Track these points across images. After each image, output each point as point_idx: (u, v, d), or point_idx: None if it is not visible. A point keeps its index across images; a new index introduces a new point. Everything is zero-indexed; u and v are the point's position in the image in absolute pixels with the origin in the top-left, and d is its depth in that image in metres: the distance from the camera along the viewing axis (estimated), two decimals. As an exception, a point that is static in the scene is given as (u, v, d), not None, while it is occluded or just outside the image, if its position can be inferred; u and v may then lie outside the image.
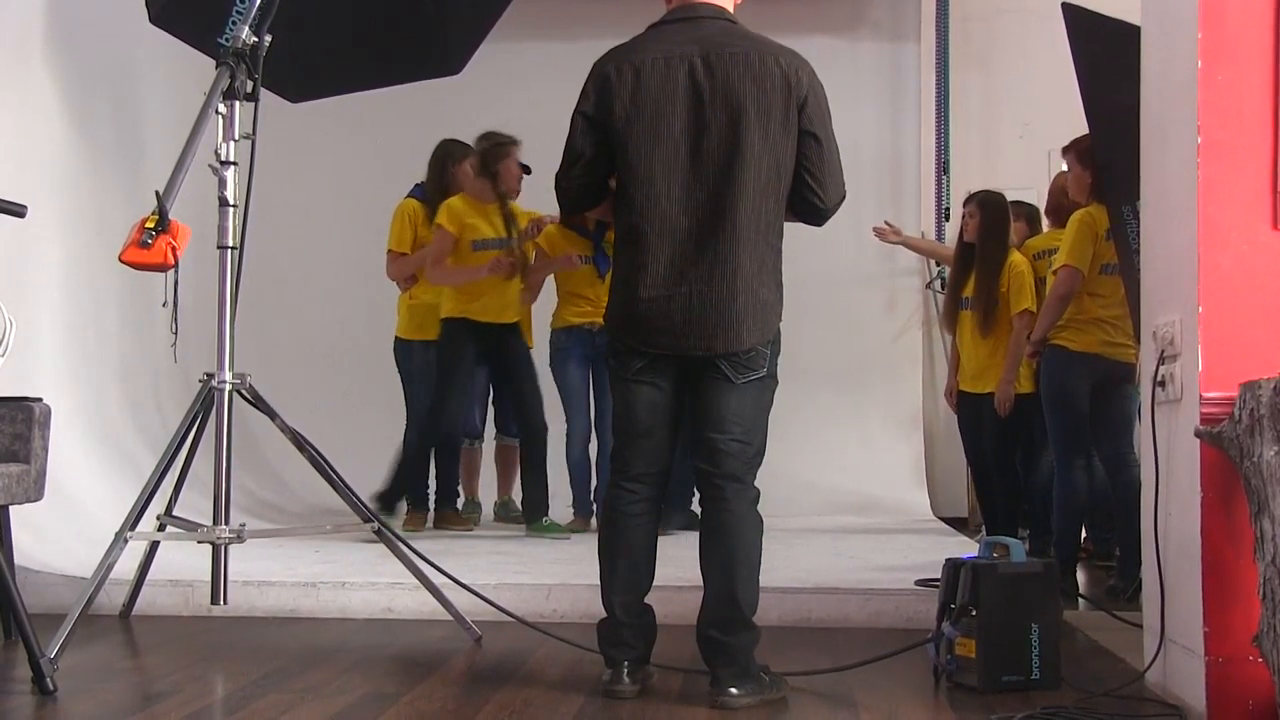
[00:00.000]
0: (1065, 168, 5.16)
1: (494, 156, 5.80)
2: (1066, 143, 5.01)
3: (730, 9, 3.08)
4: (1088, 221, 4.77)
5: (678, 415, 3.08)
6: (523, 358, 5.98)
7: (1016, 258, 5.53)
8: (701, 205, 2.94)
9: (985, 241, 5.53)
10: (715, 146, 2.93)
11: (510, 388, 6.07)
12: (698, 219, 2.94)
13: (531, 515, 5.89)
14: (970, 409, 5.71)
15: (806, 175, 3.00)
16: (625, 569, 3.04)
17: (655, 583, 3.10)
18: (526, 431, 5.96)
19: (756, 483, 3.05)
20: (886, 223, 7.10)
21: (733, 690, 2.93)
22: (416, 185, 6.13)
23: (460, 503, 6.33)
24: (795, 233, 3.26)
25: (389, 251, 6.08)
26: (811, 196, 3.03)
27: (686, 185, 2.94)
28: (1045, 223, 5.97)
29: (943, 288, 8.10)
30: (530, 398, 5.93)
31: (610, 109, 2.98)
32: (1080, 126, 4.62)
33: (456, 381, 5.84)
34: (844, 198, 3.09)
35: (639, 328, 2.99)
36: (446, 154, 6.03)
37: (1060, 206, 5.36)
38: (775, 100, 2.93)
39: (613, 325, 3.09)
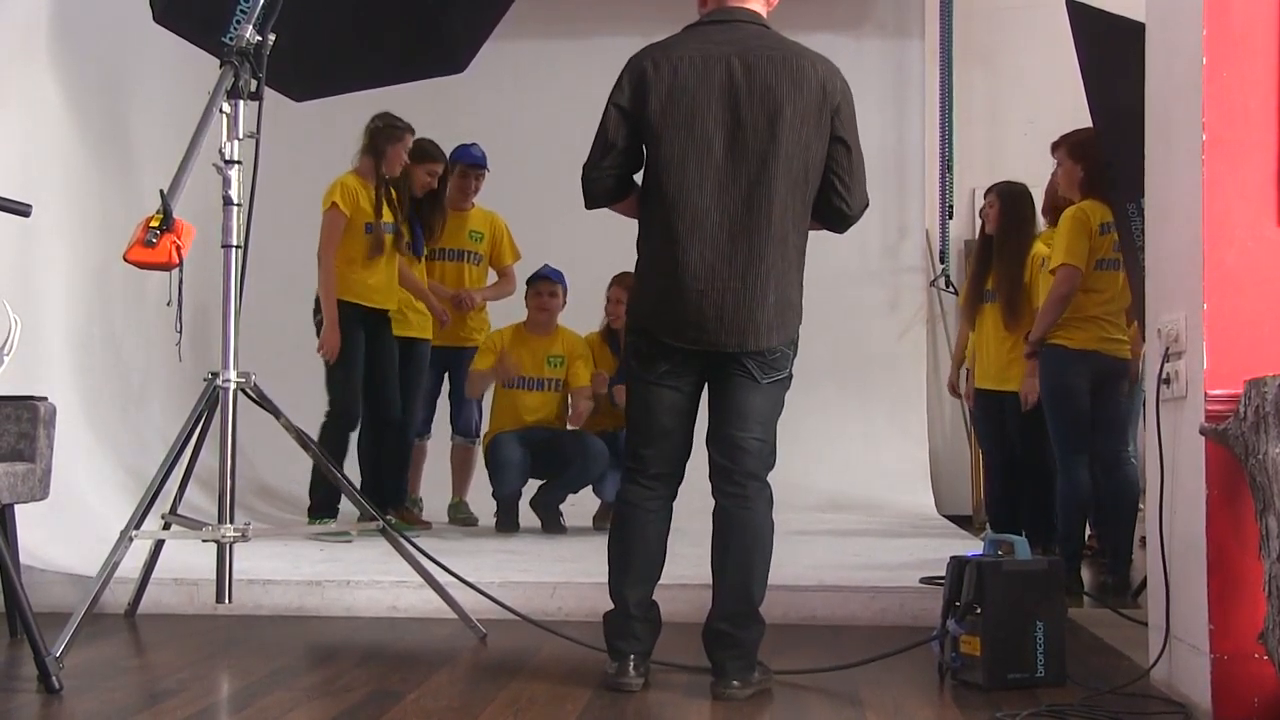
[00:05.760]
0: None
1: (384, 137, 5.65)
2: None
3: (764, 14, 3.11)
4: (1080, 218, 4.70)
5: (694, 413, 3.11)
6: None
7: (1040, 249, 5.35)
8: (735, 202, 2.95)
9: (1004, 231, 5.40)
10: (751, 144, 2.94)
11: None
12: (730, 215, 2.95)
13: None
14: (992, 408, 5.52)
15: (835, 180, 3.03)
16: (641, 563, 3.07)
17: (661, 580, 3.12)
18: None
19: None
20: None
21: (735, 682, 2.96)
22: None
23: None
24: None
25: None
26: (839, 202, 3.06)
27: (720, 181, 2.95)
28: (1042, 222, 5.89)
29: (946, 285, 8.10)
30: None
31: (645, 102, 2.99)
32: (1085, 123, 4.61)
33: (352, 363, 5.63)
34: (868, 206, 3.11)
35: (670, 321, 2.99)
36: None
37: (1057, 205, 5.25)
38: (811, 104, 2.96)
39: (639, 320, 3.08)
